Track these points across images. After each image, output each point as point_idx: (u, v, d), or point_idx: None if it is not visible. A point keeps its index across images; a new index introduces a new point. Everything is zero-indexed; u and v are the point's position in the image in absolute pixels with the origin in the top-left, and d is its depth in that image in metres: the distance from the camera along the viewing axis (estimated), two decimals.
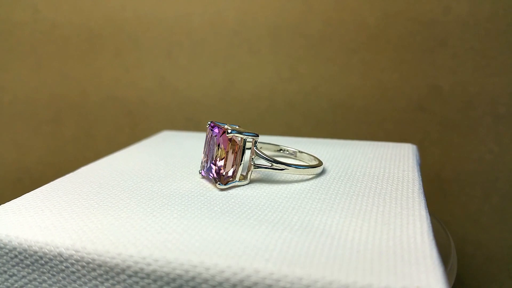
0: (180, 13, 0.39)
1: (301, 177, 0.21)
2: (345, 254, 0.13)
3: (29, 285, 0.15)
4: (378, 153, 0.25)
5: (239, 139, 0.19)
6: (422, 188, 0.19)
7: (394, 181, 0.20)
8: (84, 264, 0.14)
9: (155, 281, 0.13)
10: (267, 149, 0.25)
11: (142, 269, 0.13)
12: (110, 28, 0.40)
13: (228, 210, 0.17)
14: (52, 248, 0.14)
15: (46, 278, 0.14)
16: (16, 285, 0.15)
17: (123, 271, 0.13)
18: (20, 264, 0.15)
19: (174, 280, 0.13)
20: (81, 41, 0.40)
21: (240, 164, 0.19)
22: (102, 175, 0.21)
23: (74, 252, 0.14)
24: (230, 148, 0.19)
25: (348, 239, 0.14)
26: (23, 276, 0.15)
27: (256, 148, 0.19)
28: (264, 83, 0.39)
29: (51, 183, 0.20)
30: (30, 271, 0.15)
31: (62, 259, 0.14)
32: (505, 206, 0.36)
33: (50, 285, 0.15)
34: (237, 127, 0.20)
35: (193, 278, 0.13)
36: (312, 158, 0.22)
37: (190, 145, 0.27)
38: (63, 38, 0.40)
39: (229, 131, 0.19)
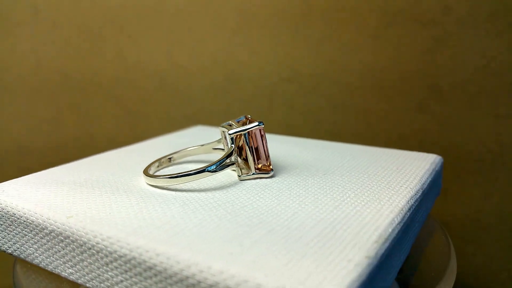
0: (180, 13, 0.39)
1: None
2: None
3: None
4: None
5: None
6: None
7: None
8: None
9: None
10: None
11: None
12: (110, 28, 0.40)
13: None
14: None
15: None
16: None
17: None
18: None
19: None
20: (81, 41, 0.40)
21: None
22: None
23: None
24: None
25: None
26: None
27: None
28: (264, 83, 0.39)
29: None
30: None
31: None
32: (505, 206, 0.36)
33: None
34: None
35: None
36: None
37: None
38: (63, 38, 0.40)
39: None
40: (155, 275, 0.13)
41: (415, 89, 0.36)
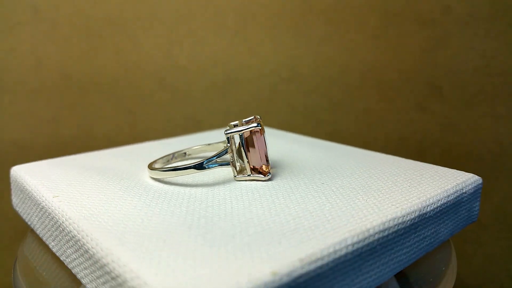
0: (180, 13, 0.39)
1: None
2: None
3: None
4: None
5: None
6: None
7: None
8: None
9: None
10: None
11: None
12: (110, 28, 0.40)
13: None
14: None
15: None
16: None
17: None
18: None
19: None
20: (81, 41, 0.40)
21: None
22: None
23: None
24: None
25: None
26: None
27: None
28: (264, 83, 0.39)
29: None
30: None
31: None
32: (505, 206, 0.36)
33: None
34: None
35: None
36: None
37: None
38: (63, 38, 0.40)
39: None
40: (89, 258, 0.14)
41: (415, 89, 0.36)
